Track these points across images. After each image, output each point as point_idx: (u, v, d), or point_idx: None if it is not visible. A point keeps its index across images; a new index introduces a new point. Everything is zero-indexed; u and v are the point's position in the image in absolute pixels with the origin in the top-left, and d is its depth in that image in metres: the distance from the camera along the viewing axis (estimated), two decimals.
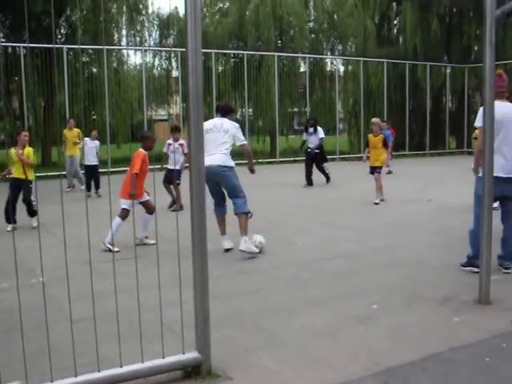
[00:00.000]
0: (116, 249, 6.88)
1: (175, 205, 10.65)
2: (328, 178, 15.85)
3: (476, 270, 5.89)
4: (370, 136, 12.52)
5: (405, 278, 6.19)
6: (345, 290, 5.81)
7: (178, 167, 11.14)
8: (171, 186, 11.38)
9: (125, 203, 7.80)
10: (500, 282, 5.84)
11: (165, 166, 11.75)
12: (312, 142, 15.57)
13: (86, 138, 14.19)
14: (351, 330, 4.63)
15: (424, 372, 3.83)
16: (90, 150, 13.93)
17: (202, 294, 3.78)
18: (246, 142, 7.91)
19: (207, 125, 7.39)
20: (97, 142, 14.33)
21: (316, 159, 15.60)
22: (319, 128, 15.64)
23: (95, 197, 13.60)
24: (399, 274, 6.42)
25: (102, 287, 4.73)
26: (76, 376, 3.43)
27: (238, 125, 7.88)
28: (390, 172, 17.25)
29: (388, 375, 3.79)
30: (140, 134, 8.93)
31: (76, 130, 15.10)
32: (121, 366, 3.56)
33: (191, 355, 3.78)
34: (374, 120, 12.72)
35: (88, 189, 13.48)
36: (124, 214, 7.83)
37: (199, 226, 3.76)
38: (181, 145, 11.17)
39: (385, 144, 12.28)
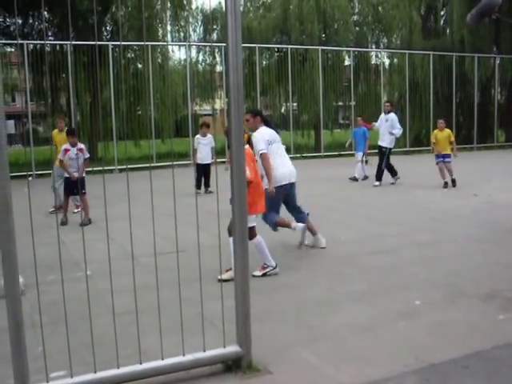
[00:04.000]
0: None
1: (83, 219, 9.31)
2: None
3: None
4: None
5: (448, 274, 6.11)
6: (387, 285, 5.76)
7: (82, 174, 9.99)
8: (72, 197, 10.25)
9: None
10: None
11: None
12: None
13: (198, 136, 13.44)
14: (393, 326, 4.60)
15: (466, 370, 3.78)
16: (204, 147, 13.15)
17: (243, 288, 3.81)
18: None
19: (267, 135, 7.12)
20: (210, 138, 13.30)
21: None
22: None
23: (204, 194, 13.22)
24: (443, 269, 6.33)
25: (145, 281, 4.80)
26: (118, 368, 3.50)
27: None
28: (366, 177, 15.41)
29: (429, 372, 3.75)
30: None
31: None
32: (162, 359, 3.62)
33: (232, 349, 3.81)
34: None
35: (198, 186, 12.90)
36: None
37: (240, 222, 3.78)
38: (80, 149, 9.88)
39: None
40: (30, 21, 24.01)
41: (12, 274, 3.17)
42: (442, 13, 31.23)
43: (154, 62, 21.96)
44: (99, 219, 9.25)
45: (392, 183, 14.34)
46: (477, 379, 3.66)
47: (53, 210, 10.63)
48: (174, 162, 18.71)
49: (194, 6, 27.87)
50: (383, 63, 27.98)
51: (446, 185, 13.33)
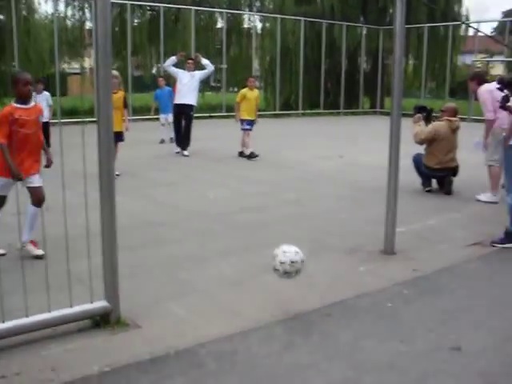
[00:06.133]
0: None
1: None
2: None
3: None
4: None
5: (314, 230, 6.36)
6: (255, 241, 5.91)
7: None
8: None
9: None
10: (404, 233, 6.08)
11: None
12: None
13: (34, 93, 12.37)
14: (260, 280, 4.73)
15: (329, 317, 3.99)
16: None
17: (109, 243, 3.76)
18: None
19: None
20: (45, 95, 12.30)
21: None
22: None
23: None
24: (309, 226, 6.59)
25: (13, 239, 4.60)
26: None
27: None
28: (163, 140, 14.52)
29: (294, 321, 3.92)
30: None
31: None
32: (27, 316, 3.51)
33: (99, 304, 3.78)
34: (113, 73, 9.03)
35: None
36: None
37: (107, 177, 3.70)
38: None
39: (125, 104, 9.77)
40: None
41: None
42: None
43: (18, 14, 20.67)
44: None
45: (177, 152, 12.54)
46: (338, 325, 3.87)
47: None
48: None
49: None
50: (256, 27, 28.11)
51: (252, 155, 11.77)
